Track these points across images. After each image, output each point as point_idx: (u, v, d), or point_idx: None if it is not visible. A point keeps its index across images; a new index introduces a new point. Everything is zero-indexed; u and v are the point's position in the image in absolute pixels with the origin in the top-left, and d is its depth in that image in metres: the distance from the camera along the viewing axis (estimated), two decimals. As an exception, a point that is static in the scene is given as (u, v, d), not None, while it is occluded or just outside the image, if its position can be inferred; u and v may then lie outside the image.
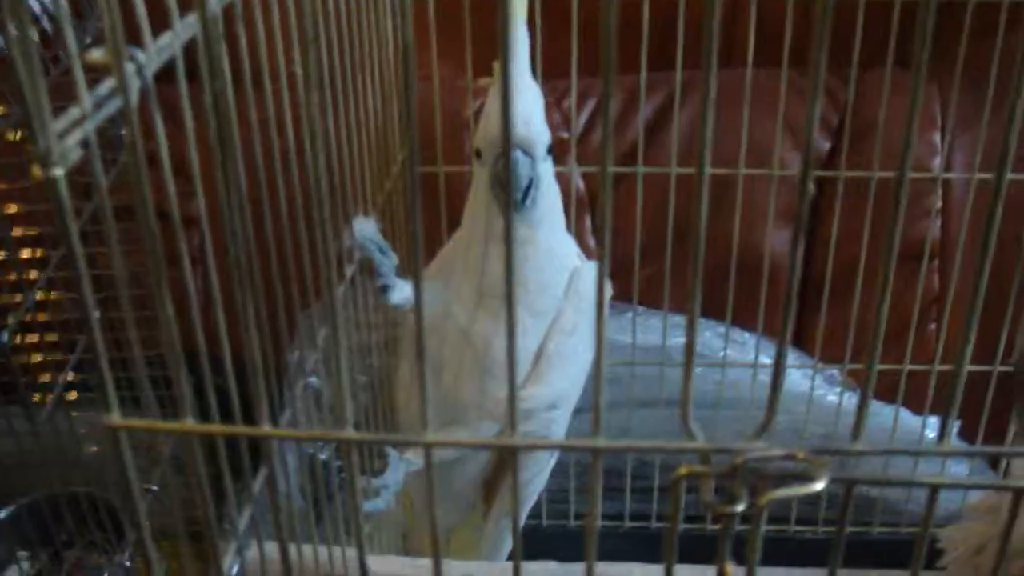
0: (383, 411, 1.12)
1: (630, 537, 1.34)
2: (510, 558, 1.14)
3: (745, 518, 0.42)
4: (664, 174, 1.14)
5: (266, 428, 0.45)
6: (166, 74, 0.46)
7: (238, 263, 0.47)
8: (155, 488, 1.05)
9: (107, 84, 0.42)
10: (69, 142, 0.40)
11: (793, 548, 1.27)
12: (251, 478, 0.67)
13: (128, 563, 0.96)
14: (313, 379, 1.27)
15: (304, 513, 0.95)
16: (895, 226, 0.41)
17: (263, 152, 0.55)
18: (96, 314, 0.42)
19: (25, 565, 0.97)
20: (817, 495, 0.39)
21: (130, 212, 0.42)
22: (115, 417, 0.43)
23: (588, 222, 1.38)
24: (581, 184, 1.36)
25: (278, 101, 0.60)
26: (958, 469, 1.31)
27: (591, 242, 1.35)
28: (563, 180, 1.02)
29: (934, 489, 0.43)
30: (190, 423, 0.45)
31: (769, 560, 0.86)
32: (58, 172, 0.38)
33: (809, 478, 0.40)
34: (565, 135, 1.36)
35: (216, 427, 0.45)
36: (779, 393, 0.41)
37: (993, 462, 1.31)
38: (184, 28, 0.45)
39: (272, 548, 0.87)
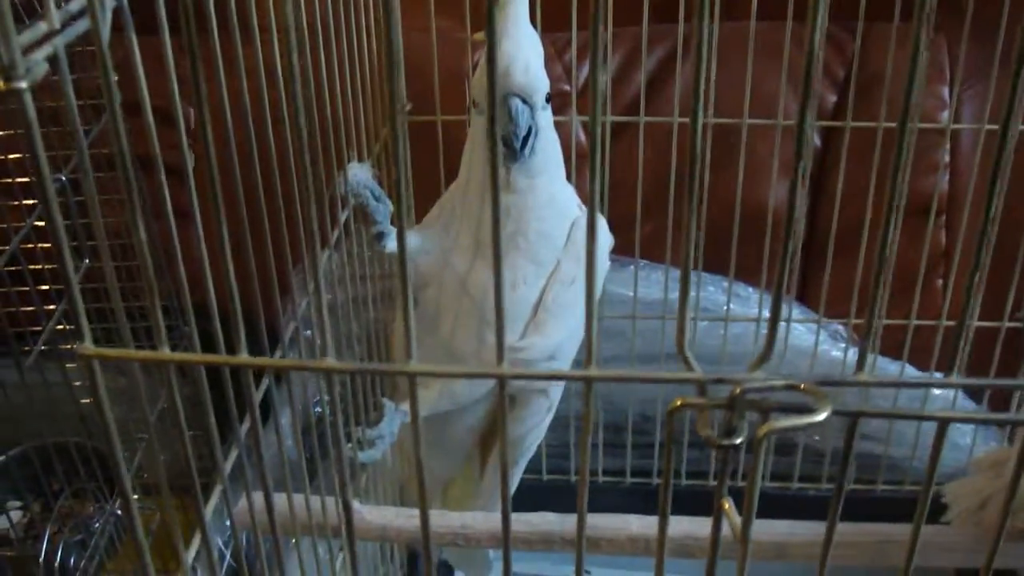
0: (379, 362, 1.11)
1: (632, 493, 1.33)
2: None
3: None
4: (668, 127, 1.12)
5: (244, 356, 0.43)
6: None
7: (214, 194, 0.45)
8: (145, 437, 1.04)
9: (78, 1, 0.41)
10: (36, 56, 0.38)
11: (797, 506, 1.25)
12: (238, 424, 0.65)
13: (119, 512, 0.95)
14: (307, 333, 1.26)
15: (296, 464, 0.94)
16: (898, 175, 0.39)
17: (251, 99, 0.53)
18: (65, 241, 0.40)
19: (16, 515, 0.96)
20: (821, 452, 0.37)
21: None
22: (88, 346, 0.42)
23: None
24: (583, 136, 1.33)
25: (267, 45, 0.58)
26: (964, 427, 1.29)
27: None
28: (564, 131, 1.00)
29: (943, 423, 0.41)
30: (166, 352, 0.43)
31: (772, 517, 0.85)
32: (22, 85, 0.37)
33: (810, 410, 0.38)
34: (567, 87, 1.34)
35: (195, 356, 0.43)
36: (777, 323, 0.39)
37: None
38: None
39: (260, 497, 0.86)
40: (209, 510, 0.73)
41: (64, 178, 0.95)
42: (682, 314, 0.39)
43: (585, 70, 1.41)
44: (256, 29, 0.57)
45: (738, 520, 0.40)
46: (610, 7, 1.05)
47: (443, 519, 0.90)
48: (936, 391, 1.26)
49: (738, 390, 0.39)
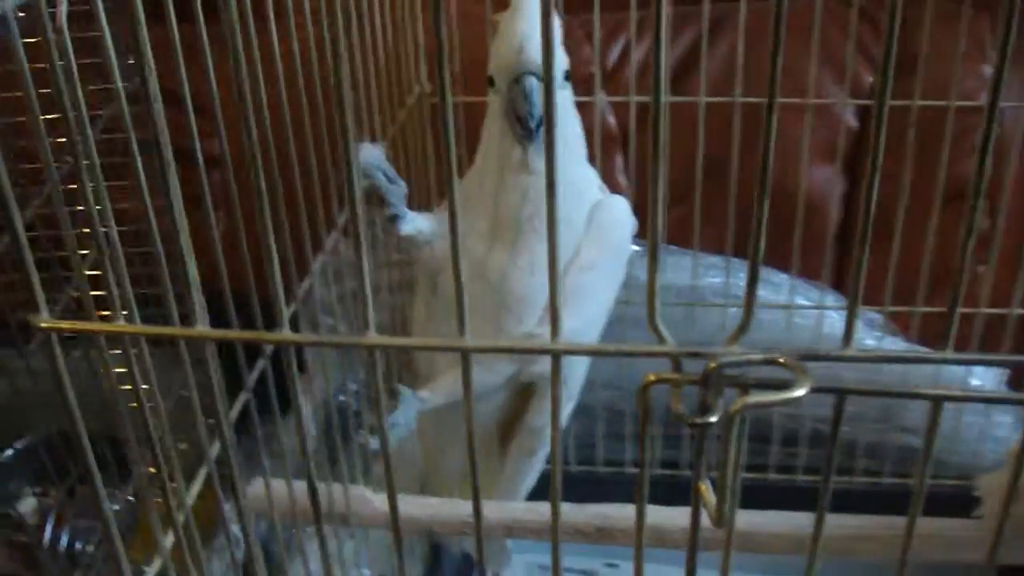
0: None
1: (657, 485, 1.30)
2: (528, 498, 1.12)
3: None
4: (695, 110, 1.09)
5: (262, 332, 0.42)
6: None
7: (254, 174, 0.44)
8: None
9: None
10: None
11: (804, 499, 1.22)
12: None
13: (132, 498, 0.94)
14: (329, 320, 1.25)
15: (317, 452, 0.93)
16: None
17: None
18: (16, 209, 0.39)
19: (31, 502, 0.97)
20: (853, 443, 0.35)
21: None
22: (43, 318, 0.40)
23: (619, 160, 1.33)
24: (612, 120, 1.31)
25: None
26: (1004, 419, 1.24)
27: (622, 180, 1.31)
28: (589, 113, 0.97)
29: (936, 401, 0.38)
30: (128, 324, 0.42)
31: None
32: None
33: (790, 386, 0.36)
34: (594, 69, 1.31)
35: (173, 330, 0.42)
36: (755, 289, 0.36)
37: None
38: None
39: (280, 484, 0.85)
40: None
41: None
42: (651, 284, 0.37)
43: (615, 53, 1.38)
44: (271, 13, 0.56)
45: (713, 502, 0.38)
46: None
47: (453, 507, 0.88)
48: (975, 382, 1.22)
49: (713, 365, 0.37)
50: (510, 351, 0.47)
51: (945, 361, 0.36)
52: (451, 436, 1.10)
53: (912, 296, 1.16)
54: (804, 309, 1.21)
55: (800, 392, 0.35)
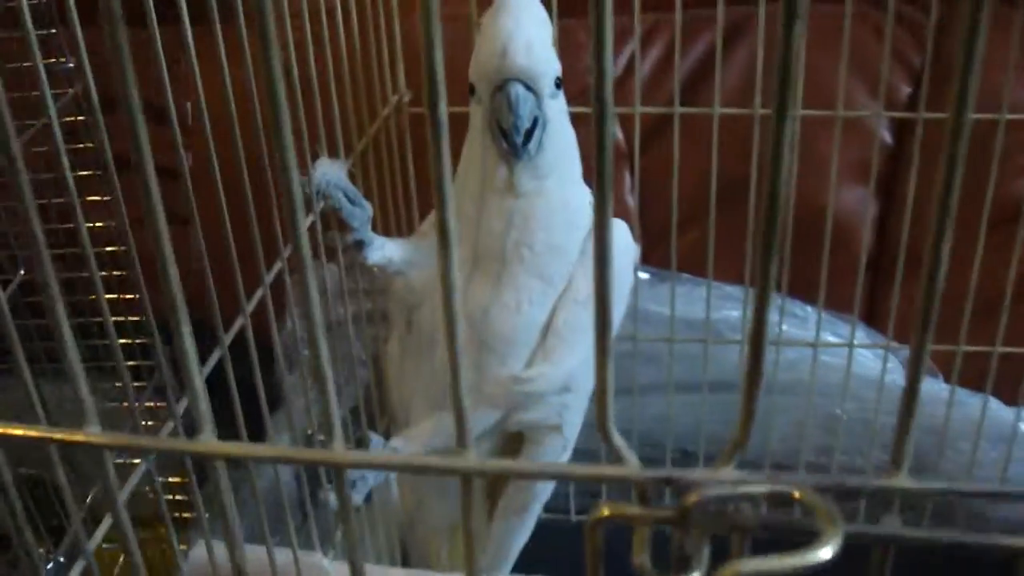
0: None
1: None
2: (520, 557, 1.00)
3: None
4: (710, 125, 0.96)
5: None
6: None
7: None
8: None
9: None
10: None
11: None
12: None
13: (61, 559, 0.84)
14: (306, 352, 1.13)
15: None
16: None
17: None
18: None
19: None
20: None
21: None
22: None
23: (628, 179, 1.20)
24: (619, 134, 1.18)
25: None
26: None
27: (630, 201, 1.19)
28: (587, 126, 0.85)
29: (1017, 557, 0.26)
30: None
31: None
32: None
33: (810, 533, 0.23)
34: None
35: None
36: (757, 392, 0.24)
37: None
38: None
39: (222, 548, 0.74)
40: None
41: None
42: (601, 380, 0.25)
43: (623, 59, 1.26)
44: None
45: None
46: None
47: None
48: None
49: (694, 498, 0.24)
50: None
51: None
52: (432, 489, 0.98)
53: (954, 332, 1.03)
54: (832, 347, 1.08)
55: (824, 554, 0.23)
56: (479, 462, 0.26)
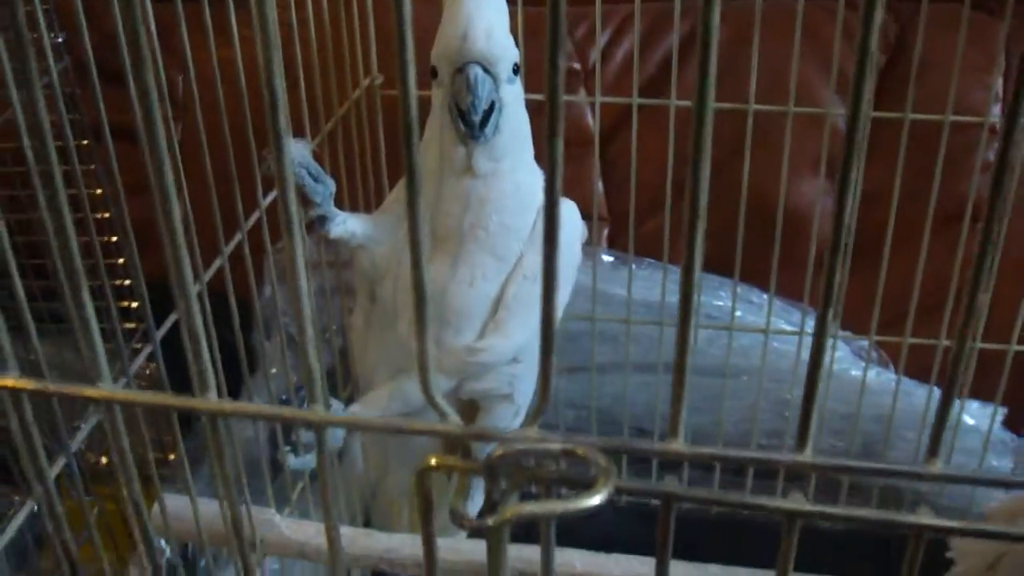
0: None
1: (625, 511, 1.22)
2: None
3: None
4: (683, 113, 1.00)
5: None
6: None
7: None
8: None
9: None
10: None
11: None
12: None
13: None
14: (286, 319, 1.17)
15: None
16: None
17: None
18: None
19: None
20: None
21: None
22: None
23: (598, 163, 1.24)
24: (591, 119, 1.22)
25: None
26: (1002, 463, 1.15)
27: (600, 187, 1.22)
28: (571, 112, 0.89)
29: (791, 517, 0.30)
30: None
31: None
32: None
33: (589, 485, 0.28)
34: (576, 65, 1.23)
35: None
36: (551, 360, 0.28)
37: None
38: None
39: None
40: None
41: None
42: (422, 352, 0.29)
43: (601, 44, 1.29)
44: None
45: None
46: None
47: (367, 540, 0.81)
48: (970, 421, 1.12)
49: (500, 451, 0.28)
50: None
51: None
52: (395, 453, 1.03)
53: (901, 324, 1.06)
54: (784, 335, 1.12)
55: (595, 500, 0.27)
56: (327, 415, 0.30)
